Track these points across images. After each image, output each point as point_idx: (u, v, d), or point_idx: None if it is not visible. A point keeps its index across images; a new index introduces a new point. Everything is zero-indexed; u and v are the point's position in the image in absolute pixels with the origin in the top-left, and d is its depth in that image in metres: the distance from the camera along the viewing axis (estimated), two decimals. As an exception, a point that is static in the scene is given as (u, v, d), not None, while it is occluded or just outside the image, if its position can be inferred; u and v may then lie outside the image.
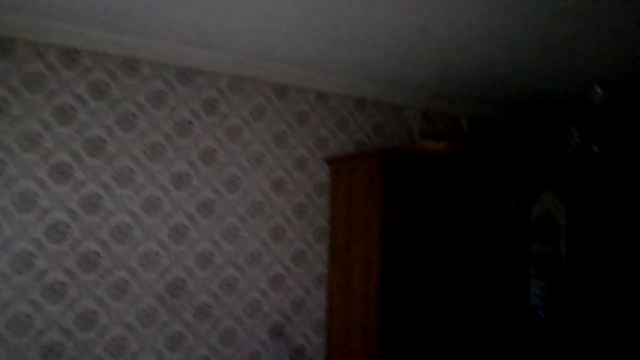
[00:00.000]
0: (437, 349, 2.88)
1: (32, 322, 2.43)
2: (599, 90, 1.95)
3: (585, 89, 2.10)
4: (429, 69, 3.04)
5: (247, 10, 2.26)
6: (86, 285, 2.54)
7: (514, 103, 3.84)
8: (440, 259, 2.92)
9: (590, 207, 3.87)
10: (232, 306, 2.91)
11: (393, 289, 2.72)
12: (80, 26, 2.50)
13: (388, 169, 2.73)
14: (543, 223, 4.04)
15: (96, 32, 2.56)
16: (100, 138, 2.61)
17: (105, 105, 2.63)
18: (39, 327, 2.44)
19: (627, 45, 2.26)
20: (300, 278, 3.13)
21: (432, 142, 3.05)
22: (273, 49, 2.77)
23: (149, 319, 2.68)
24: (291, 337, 3.07)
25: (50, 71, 2.51)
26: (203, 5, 2.23)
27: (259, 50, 2.80)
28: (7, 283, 2.38)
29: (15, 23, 2.40)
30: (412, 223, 2.81)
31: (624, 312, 4.15)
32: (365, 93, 3.39)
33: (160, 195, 2.73)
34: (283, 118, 3.12)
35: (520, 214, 3.35)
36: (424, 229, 2.85)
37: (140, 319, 2.66)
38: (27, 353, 2.41)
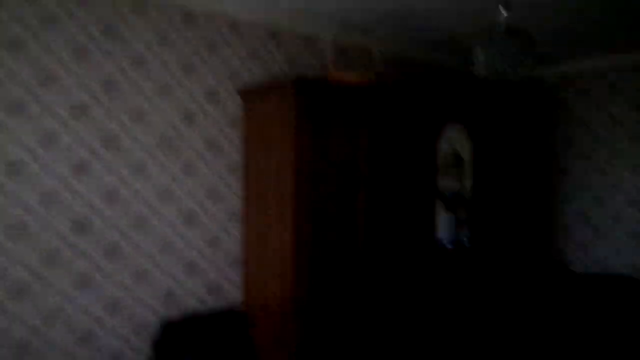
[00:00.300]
0: (349, 276, 2.96)
1: None
2: (502, 11, 1.99)
3: (490, 12, 2.15)
4: (341, -3, 2.98)
5: None
6: (-23, 226, 2.34)
7: (427, 39, 3.88)
8: (351, 189, 2.95)
9: (493, 139, 4.08)
10: (143, 244, 2.81)
11: (308, 220, 2.73)
12: None
13: (302, 99, 2.69)
14: (450, 159, 4.22)
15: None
16: (-17, 64, 2.34)
17: (-13, 27, 2.36)
18: None
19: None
20: (215, 214, 3.07)
21: (345, 73, 3.03)
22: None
23: (52, 260, 2.53)
24: (208, 273, 3.04)
25: None
26: None
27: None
28: None
29: None
30: (326, 153, 2.81)
31: (523, 241, 4.48)
32: (279, 23, 3.28)
33: (57, 127, 2.53)
34: (192, 47, 2.96)
35: (428, 148, 3.45)
36: (337, 159, 2.87)
37: (44, 260, 2.50)
38: None
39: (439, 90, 3.55)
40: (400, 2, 3.04)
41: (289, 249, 2.72)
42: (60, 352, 2.55)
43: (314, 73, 3.45)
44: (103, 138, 2.66)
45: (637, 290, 4.03)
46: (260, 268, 2.97)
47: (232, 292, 3.14)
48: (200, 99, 2.99)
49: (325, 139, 2.81)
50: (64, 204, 2.55)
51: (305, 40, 3.45)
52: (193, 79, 2.96)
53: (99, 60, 2.64)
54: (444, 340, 3.57)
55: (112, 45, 2.68)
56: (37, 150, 2.47)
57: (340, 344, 2.89)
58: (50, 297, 2.52)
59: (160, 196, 2.85)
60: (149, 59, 2.80)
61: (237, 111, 3.12)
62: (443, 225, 4.12)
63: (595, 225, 4.83)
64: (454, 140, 3.96)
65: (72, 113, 2.56)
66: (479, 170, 3.92)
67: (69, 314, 2.57)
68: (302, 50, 3.44)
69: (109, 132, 2.68)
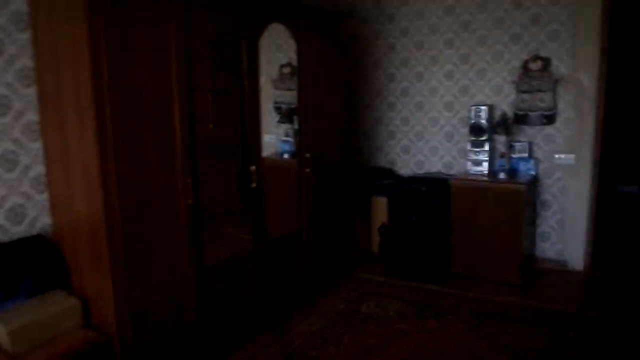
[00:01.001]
0: (163, 188, 2.79)
1: None
2: None
3: None
4: None
5: None
6: None
7: None
8: (163, 96, 2.69)
9: (318, 46, 4.03)
10: None
11: (113, 132, 2.43)
12: None
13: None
14: (287, 70, 4.14)
15: None
16: None
17: None
18: None
19: None
20: (7, 129, 2.64)
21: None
22: None
23: None
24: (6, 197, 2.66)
25: None
26: None
27: None
28: None
29: None
30: (131, 58, 2.48)
31: (352, 147, 4.62)
32: None
33: None
34: None
35: (249, 47, 3.27)
36: (145, 64, 2.57)
37: None
38: None
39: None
40: None
41: (93, 164, 2.42)
42: None
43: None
44: None
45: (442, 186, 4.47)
46: (67, 187, 2.65)
47: (40, 217, 2.81)
48: (-30, -10, 2.45)
49: (128, 40, 2.45)
50: None
51: None
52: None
53: None
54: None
55: None
56: None
57: (159, 257, 2.75)
58: None
59: None
60: None
61: (22, 7, 2.63)
62: (282, 138, 4.12)
63: (417, 129, 5.19)
64: (286, 50, 3.87)
65: None
66: (307, 78, 3.89)
67: None
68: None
69: None
